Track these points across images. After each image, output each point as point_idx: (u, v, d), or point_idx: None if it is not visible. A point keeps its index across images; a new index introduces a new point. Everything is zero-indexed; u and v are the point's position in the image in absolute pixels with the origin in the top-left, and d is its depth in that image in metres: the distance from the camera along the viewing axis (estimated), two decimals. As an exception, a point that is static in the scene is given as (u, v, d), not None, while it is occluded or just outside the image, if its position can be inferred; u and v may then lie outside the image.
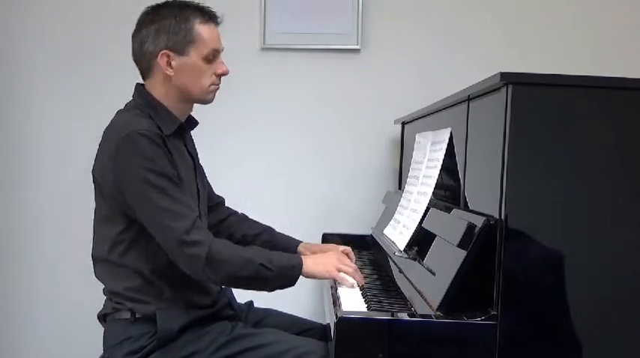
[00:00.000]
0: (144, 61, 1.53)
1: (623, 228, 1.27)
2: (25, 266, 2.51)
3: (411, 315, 1.29)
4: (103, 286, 1.55)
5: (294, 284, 1.50)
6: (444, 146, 1.60)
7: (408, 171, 1.93)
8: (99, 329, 1.56)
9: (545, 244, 1.25)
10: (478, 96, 1.44)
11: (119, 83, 2.43)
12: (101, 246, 1.51)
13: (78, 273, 2.45)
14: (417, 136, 1.93)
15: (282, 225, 2.38)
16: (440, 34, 2.40)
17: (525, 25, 2.38)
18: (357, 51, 2.41)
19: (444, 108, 1.71)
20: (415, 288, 1.46)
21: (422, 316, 1.28)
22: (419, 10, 2.41)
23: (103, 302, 1.56)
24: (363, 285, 1.59)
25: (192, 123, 1.66)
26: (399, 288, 1.60)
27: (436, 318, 1.25)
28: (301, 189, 2.45)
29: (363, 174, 2.45)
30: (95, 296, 1.59)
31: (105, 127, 1.50)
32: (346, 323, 1.26)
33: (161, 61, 1.49)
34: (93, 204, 1.53)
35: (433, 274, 1.40)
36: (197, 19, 1.51)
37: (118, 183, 1.42)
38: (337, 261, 1.58)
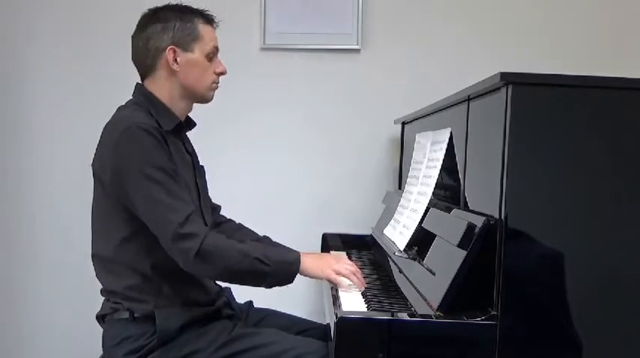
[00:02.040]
0: (148, 58, 1.56)
1: (623, 228, 1.27)
2: (25, 266, 2.50)
3: (411, 315, 1.29)
4: (102, 287, 1.55)
5: (291, 282, 1.50)
6: (444, 146, 1.60)
7: (408, 171, 1.93)
8: (98, 330, 1.56)
9: (545, 244, 1.25)
10: (478, 96, 1.43)
11: (121, 82, 2.46)
12: (101, 244, 1.52)
13: (77, 274, 2.45)
14: (417, 136, 1.93)
15: (282, 224, 2.38)
16: (440, 34, 2.40)
17: (525, 25, 2.38)
18: (357, 51, 2.40)
19: (444, 108, 1.71)
20: (415, 288, 1.46)
21: (422, 316, 1.28)
22: (419, 11, 2.41)
23: (102, 303, 1.56)
24: (363, 288, 1.59)
25: (190, 123, 1.69)
26: (399, 288, 1.60)
27: (436, 318, 1.25)
28: (301, 189, 2.45)
29: (363, 174, 2.44)
30: (95, 296, 1.59)
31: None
32: (346, 323, 1.26)
33: (168, 56, 1.53)
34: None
35: (433, 274, 1.40)
36: (199, 20, 1.58)
37: (117, 176, 1.44)
38: (335, 262, 1.59)
